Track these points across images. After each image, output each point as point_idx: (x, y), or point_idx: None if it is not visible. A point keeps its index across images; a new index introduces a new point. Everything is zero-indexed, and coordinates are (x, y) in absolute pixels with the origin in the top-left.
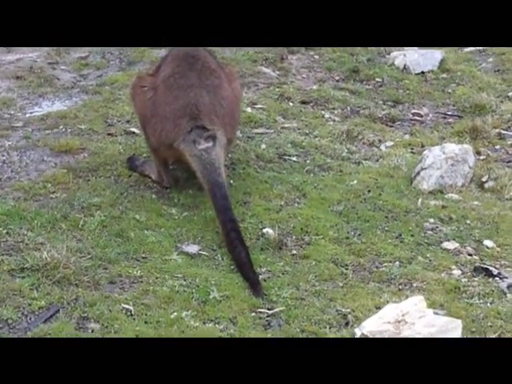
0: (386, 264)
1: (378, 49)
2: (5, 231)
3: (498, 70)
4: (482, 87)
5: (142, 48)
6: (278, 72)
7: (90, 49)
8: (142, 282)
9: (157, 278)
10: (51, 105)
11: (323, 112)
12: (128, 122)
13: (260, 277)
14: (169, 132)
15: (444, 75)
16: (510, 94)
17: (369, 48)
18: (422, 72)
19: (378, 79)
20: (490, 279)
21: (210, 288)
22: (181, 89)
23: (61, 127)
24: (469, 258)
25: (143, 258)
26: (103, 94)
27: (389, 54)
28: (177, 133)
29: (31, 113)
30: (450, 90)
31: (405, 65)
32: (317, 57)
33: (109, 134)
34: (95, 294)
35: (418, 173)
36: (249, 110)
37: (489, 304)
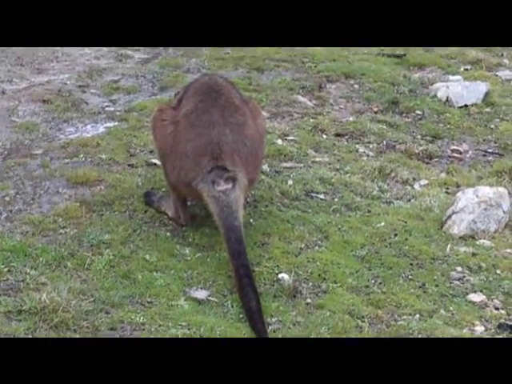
0: (405, 317)
1: (421, 79)
2: (6, 269)
3: None
4: None
5: (176, 73)
6: (314, 101)
7: (122, 71)
8: (143, 329)
9: (160, 325)
10: (75, 131)
11: (357, 146)
12: (151, 152)
13: (270, 327)
14: (188, 170)
15: (488, 109)
16: None
17: (411, 79)
18: (465, 105)
19: (418, 112)
20: None
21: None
22: (203, 126)
23: (81, 156)
24: (495, 312)
25: (148, 302)
26: (130, 121)
27: (432, 84)
28: (196, 172)
29: (53, 139)
30: (492, 126)
31: (447, 97)
32: (356, 86)
33: (129, 165)
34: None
35: (450, 216)
36: (279, 142)
37: None
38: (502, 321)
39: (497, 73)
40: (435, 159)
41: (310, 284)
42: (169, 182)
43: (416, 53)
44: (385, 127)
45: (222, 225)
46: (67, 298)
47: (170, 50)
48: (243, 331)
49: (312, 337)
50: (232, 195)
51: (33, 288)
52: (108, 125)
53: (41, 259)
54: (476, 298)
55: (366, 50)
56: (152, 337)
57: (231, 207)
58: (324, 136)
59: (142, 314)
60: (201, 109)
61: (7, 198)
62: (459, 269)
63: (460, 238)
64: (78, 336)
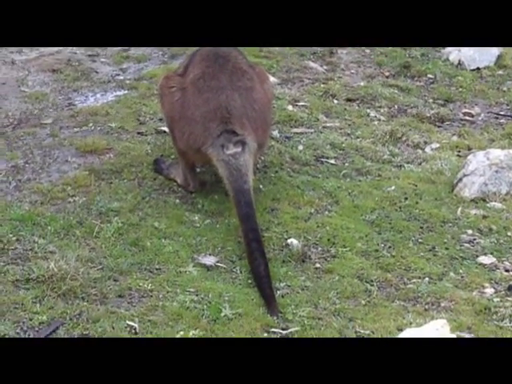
0: (414, 280)
1: None
2: (15, 238)
3: None
4: None
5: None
6: (325, 67)
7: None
8: (151, 296)
9: (168, 292)
10: (84, 100)
11: (368, 110)
12: (160, 120)
13: (278, 292)
14: (197, 136)
15: (500, 72)
16: None
17: None
18: (478, 68)
19: (430, 75)
20: None
21: (223, 305)
22: (211, 91)
23: (90, 125)
24: (505, 274)
25: (157, 269)
26: (139, 90)
27: (444, 48)
28: (206, 137)
29: (62, 109)
30: (505, 88)
31: (459, 60)
32: (368, 51)
33: (139, 133)
34: (101, 308)
35: (461, 179)
36: (290, 107)
37: None
38: (511, 283)
39: None
40: (447, 122)
41: (319, 249)
42: (178, 149)
43: None
44: (396, 91)
45: (232, 188)
46: (75, 266)
47: None
48: (252, 296)
49: (320, 302)
50: (241, 158)
51: (41, 256)
52: (118, 93)
53: (49, 228)
54: (486, 260)
55: None
56: (160, 304)
57: (241, 170)
58: (335, 101)
59: (151, 281)
60: (208, 74)
61: (16, 168)
62: (470, 231)
63: (471, 200)
64: (85, 304)
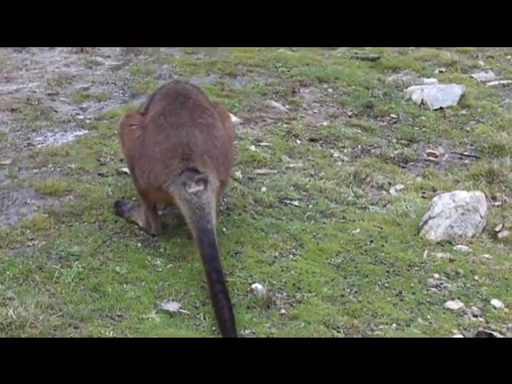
0: (381, 326)
1: (396, 82)
2: None
3: None
4: (503, 125)
5: (147, 79)
6: (288, 106)
7: (92, 78)
8: None
9: None
10: (44, 140)
11: (332, 151)
12: (121, 160)
13: None
14: (158, 173)
15: (464, 111)
16: None
17: (386, 82)
18: (441, 108)
19: (393, 115)
20: None
21: None
22: (171, 127)
23: (50, 166)
24: (473, 319)
25: (118, 316)
26: (100, 129)
27: (406, 87)
28: (166, 174)
29: (21, 149)
30: (468, 128)
31: (422, 100)
32: (330, 90)
33: (99, 174)
34: None
35: (426, 222)
36: (252, 148)
37: None
38: (480, 329)
39: (472, 75)
40: (411, 163)
41: (285, 294)
42: (138, 189)
43: (390, 56)
44: (359, 131)
45: (195, 228)
46: (35, 313)
47: (141, 56)
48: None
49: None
50: (204, 197)
51: None
52: (78, 133)
53: (8, 273)
54: (454, 305)
55: (339, 53)
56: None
57: (204, 209)
58: (298, 141)
59: (112, 329)
60: (169, 111)
61: None
62: (436, 275)
63: (437, 243)
64: None
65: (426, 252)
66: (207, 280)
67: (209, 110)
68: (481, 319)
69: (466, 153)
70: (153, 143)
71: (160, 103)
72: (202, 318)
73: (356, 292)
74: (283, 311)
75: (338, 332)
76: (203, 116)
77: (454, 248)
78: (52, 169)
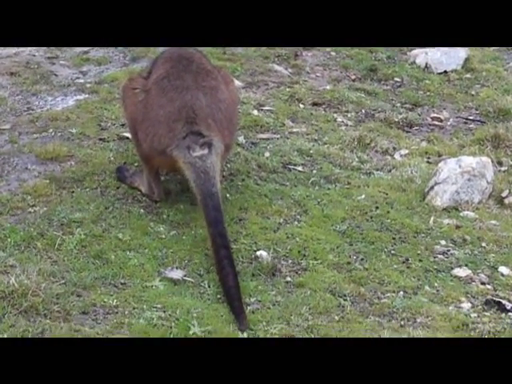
0: (388, 294)
1: None
2: None
3: None
4: (508, 89)
5: None
6: (290, 70)
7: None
8: (117, 312)
9: (134, 308)
10: (44, 105)
11: (335, 115)
12: (123, 125)
13: (248, 308)
14: (162, 137)
15: (468, 75)
16: None
17: None
18: (445, 71)
19: (397, 79)
20: (503, 314)
21: (191, 322)
22: (175, 90)
23: (50, 131)
24: (481, 287)
25: (122, 283)
26: (100, 94)
27: (410, 51)
28: (170, 138)
29: (21, 113)
30: (473, 92)
31: (426, 63)
32: (333, 53)
33: (100, 139)
34: (64, 326)
35: (432, 187)
36: (255, 112)
37: None
38: (488, 297)
39: None
40: (415, 127)
41: (290, 261)
42: (141, 154)
43: None
44: (363, 95)
45: (200, 191)
46: (37, 281)
47: None
48: (221, 312)
49: (292, 318)
50: (208, 161)
51: (1, 271)
52: (78, 97)
53: (9, 240)
54: (461, 272)
55: None
56: (126, 321)
57: (208, 173)
58: (301, 105)
59: (116, 297)
60: (172, 74)
61: None
62: (443, 242)
63: (443, 209)
64: (48, 321)
65: (432, 218)
66: (212, 245)
67: (212, 73)
68: (489, 287)
69: (471, 117)
70: (156, 106)
71: (163, 66)
72: (206, 286)
73: (362, 259)
74: (289, 279)
75: (345, 300)
76: (207, 79)
77: (461, 214)
78: (52, 134)
